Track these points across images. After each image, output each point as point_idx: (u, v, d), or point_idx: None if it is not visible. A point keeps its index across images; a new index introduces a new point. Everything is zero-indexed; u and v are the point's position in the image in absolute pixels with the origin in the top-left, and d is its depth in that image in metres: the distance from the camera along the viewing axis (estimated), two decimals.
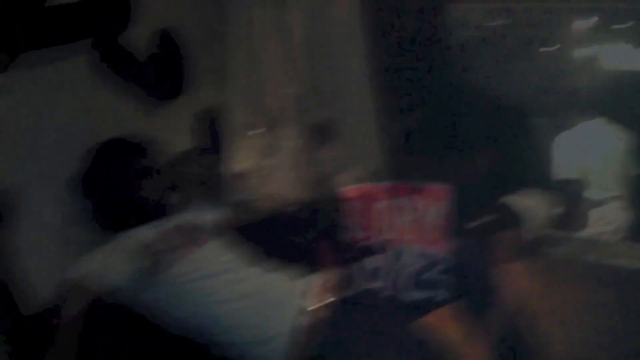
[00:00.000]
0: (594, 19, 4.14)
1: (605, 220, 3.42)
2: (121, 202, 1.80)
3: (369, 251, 1.83)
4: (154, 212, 1.82)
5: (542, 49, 4.17)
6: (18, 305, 1.58)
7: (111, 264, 1.69)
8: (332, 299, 1.71)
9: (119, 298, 1.68)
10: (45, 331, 1.61)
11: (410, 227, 1.81)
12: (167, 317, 1.68)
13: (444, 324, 1.67)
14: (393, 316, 1.71)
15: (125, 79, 1.98)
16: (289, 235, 2.01)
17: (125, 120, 1.95)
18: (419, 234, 1.80)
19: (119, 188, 1.80)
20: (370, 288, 1.77)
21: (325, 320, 1.66)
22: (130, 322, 1.67)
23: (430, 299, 1.73)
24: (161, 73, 2.10)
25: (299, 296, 1.71)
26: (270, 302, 1.69)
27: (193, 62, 2.17)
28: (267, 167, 2.34)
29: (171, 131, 2.17)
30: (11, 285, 1.51)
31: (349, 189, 1.94)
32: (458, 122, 2.13)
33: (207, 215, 1.94)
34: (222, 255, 1.80)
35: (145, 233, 1.77)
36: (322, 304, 1.69)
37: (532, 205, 1.94)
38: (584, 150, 3.52)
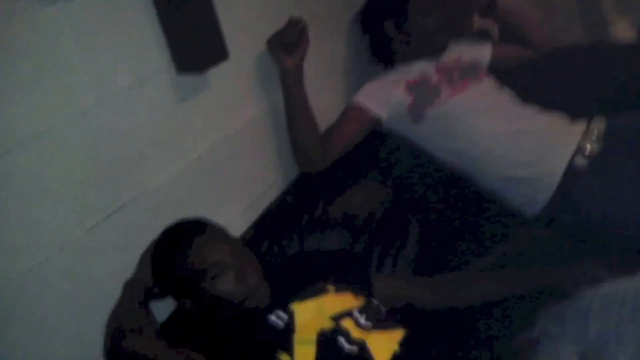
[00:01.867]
0: None
1: None
2: (397, 37, 1.87)
3: None
4: (433, 46, 1.87)
5: None
6: None
7: (391, 93, 1.78)
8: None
9: (393, 126, 1.79)
10: None
11: None
12: (435, 148, 1.76)
13: None
14: None
15: None
16: (566, 78, 1.98)
17: None
18: None
19: (396, 23, 1.85)
20: None
21: (601, 165, 1.63)
22: None
23: None
24: None
25: (577, 137, 1.68)
26: (546, 140, 1.69)
27: None
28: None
29: None
30: None
31: None
32: None
33: (483, 52, 1.98)
34: (499, 92, 1.85)
35: (425, 66, 1.84)
36: (599, 147, 1.66)
37: None
38: None
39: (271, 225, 1.53)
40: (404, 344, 1.18)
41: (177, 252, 1.18)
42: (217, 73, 1.35)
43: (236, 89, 1.48)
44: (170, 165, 1.33)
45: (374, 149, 1.80)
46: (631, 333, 1.08)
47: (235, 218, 1.49)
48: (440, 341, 1.30)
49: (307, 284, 1.25)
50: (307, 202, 1.61)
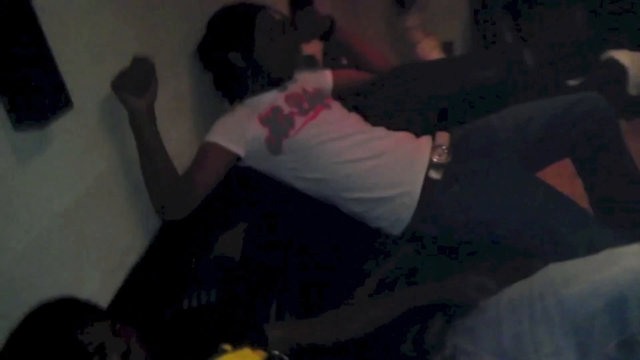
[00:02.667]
0: None
1: None
2: (240, 70, 1.81)
3: None
4: (282, 74, 1.85)
5: None
6: None
7: (246, 128, 1.72)
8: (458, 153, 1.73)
9: (251, 161, 1.73)
10: None
11: None
12: (296, 178, 1.74)
13: None
14: None
15: None
16: (406, 96, 2.03)
17: None
18: None
19: (243, 54, 1.80)
20: None
21: (453, 175, 1.69)
22: None
23: None
24: None
25: (427, 152, 1.74)
26: (399, 159, 1.72)
27: None
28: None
29: None
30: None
31: None
32: None
33: (325, 78, 1.99)
34: (348, 117, 1.85)
35: (273, 97, 1.80)
36: (448, 158, 1.73)
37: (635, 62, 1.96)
38: None
39: (140, 288, 1.36)
40: None
41: (48, 343, 0.98)
42: (60, 124, 1.17)
43: (83, 141, 1.30)
44: (16, 239, 1.12)
45: (236, 187, 1.71)
46: (545, 333, 1.10)
47: (98, 288, 1.30)
48: None
49: (199, 347, 1.12)
50: (175, 256, 1.47)
